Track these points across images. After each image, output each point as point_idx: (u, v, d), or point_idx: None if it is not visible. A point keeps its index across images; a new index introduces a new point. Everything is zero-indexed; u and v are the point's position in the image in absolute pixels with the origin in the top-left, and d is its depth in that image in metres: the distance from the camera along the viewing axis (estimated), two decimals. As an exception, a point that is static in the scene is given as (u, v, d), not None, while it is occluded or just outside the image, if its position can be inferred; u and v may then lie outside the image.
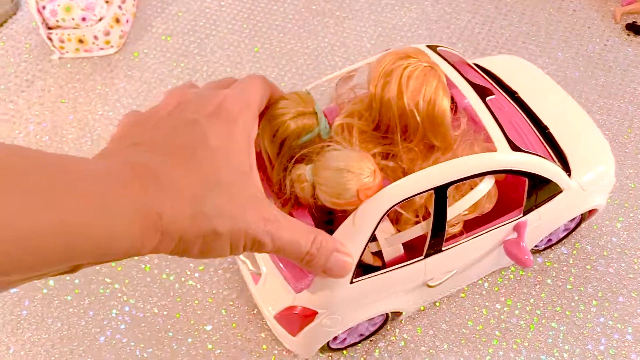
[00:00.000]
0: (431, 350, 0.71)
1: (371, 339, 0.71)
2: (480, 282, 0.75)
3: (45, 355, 0.72)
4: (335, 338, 0.64)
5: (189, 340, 0.72)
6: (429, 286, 0.63)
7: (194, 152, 0.38)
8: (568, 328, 0.72)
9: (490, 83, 0.66)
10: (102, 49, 0.98)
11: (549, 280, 0.75)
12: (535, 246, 0.73)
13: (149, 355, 0.71)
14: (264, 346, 0.72)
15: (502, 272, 0.75)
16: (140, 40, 1.02)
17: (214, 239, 0.38)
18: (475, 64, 0.68)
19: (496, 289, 0.75)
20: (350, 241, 0.51)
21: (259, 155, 0.57)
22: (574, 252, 0.77)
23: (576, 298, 0.74)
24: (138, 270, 0.78)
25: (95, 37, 0.96)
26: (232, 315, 0.74)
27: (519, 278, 0.75)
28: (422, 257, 0.58)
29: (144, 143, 0.38)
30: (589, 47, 0.99)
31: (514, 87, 0.69)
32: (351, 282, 0.56)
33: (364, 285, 0.57)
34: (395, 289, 0.61)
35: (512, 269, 0.76)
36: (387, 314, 0.67)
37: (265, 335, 0.72)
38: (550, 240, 0.74)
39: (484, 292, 0.74)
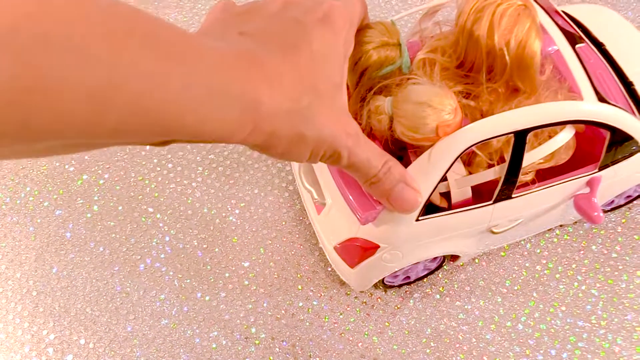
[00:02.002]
0: (466, 306, 0.70)
1: (406, 289, 0.71)
2: (522, 242, 0.74)
3: (86, 277, 0.74)
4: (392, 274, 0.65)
5: (226, 274, 0.73)
6: (493, 232, 0.62)
7: (298, 52, 0.38)
8: (609, 297, 0.70)
9: (577, 32, 0.63)
10: (154, -23, 0.97)
11: (594, 247, 0.73)
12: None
13: (187, 285, 0.73)
14: (299, 287, 0.72)
15: (546, 235, 0.74)
16: (193, -29, 1.00)
17: (299, 142, 0.38)
18: (563, 12, 0.65)
19: (538, 250, 0.73)
20: (423, 177, 0.51)
21: None
22: (623, 220, 0.75)
23: (620, 267, 0.72)
24: (180, 202, 0.78)
25: (149, -35, 0.95)
26: (270, 254, 0.74)
27: (562, 242, 0.74)
28: (491, 202, 0.57)
29: (250, 33, 0.38)
30: (660, 7, 0.94)
31: (601, 39, 0.66)
32: (417, 220, 0.56)
33: (429, 224, 0.57)
34: (459, 231, 0.61)
35: (557, 232, 0.74)
36: (442, 259, 0.68)
37: (301, 276, 0.73)
38: (612, 202, 0.72)
39: (526, 253, 0.73)
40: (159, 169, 0.81)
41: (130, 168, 0.81)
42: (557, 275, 0.72)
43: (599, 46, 0.65)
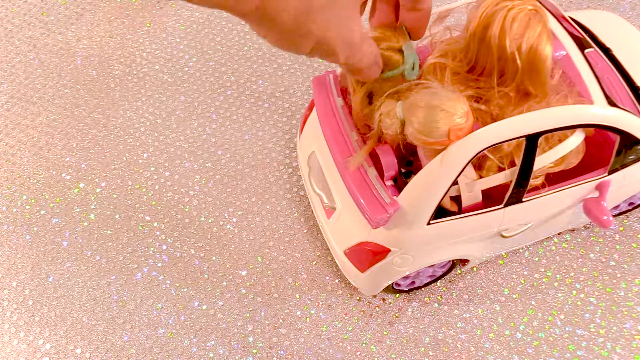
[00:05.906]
0: (465, 315, 0.70)
1: (405, 297, 0.71)
2: (520, 250, 0.73)
3: (82, 286, 0.74)
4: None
5: (224, 283, 0.73)
6: (503, 236, 0.63)
7: None
8: (607, 305, 0.70)
9: (585, 37, 0.64)
10: (152, -15, 0.97)
11: (592, 255, 0.73)
12: None
13: (184, 294, 0.72)
14: (297, 295, 0.72)
15: (545, 243, 0.74)
16: (190, -21, 1.00)
17: (303, 36, 0.39)
18: (570, 17, 0.66)
19: (537, 258, 0.73)
20: (435, 181, 0.51)
21: (345, 90, 0.59)
22: (621, 228, 0.75)
23: (618, 275, 0.72)
24: (177, 211, 0.78)
25: (146, -27, 0.95)
26: (267, 263, 0.74)
27: (560, 250, 0.74)
28: (501, 205, 0.57)
29: None
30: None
31: (607, 44, 0.66)
32: (428, 224, 0.56)
33: (440, 227, 0.57)
34: (470, 235, 0.61)
35: (555, 240, 0.74)
36: (452, 263, 0.67)
37: (298, 285, 0.72)
38: (618, 206, 0.72)
39: (524, 261, 0.73)
40: (156, 177, 0.81)
41: (127, 176, 0.81)
42: (556, 284, 0.72)
43: (606, 51, 0.66)
